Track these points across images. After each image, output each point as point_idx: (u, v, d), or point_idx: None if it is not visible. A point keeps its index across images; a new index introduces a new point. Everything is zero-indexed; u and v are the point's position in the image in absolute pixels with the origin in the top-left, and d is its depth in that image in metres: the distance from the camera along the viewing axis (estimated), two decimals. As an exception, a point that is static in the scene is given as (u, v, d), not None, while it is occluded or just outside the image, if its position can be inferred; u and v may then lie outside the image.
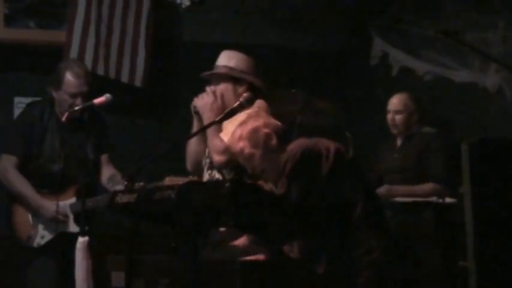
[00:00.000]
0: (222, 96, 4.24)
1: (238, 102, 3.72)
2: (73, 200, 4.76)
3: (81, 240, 4.01)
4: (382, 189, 5.29)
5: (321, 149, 3.47)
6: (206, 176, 4.29)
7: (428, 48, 6.05)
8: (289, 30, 6.70)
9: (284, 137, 3.62)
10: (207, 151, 4.27)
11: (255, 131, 3.59)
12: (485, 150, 3.53)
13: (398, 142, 5.72)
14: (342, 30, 6.80)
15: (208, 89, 4.28)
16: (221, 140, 4.08)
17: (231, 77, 4.27)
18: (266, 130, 3.59)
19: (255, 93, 4.05)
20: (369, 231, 3.42)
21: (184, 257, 3.09)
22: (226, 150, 4.06)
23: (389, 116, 5.68)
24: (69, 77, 4.76)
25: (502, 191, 3.48)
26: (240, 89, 4.25)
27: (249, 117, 3.74)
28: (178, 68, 6.34)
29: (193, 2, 6.36)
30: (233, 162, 4.10)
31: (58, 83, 4.78)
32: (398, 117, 5.64)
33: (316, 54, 6.70)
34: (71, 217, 4.74)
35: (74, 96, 4.73)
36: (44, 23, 6.07)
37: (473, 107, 5.79)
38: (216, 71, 4.33)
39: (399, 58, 6.34)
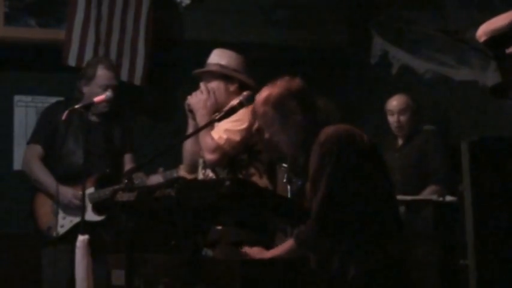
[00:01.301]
0: (214, 94, 4.26)
1: (238, 101, 3.72)
2: (91, 189, 4.91)
3: (81, 239, 4.01)
4: None
5: (355, 132, 3.33)
6: (200, 175, 4.30)
7: (429, 47, 6.05)
8: (289, 29, 6.70)
9: (310, 110, 3.43)
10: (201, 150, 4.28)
11: (283, 99, 3.41)
12: (485, 148, 3.53)
13: (399, 142, 5.72)
14: (342, 29, 6.80)
15: (202, 86, 4.30)
16: (212, 138, 4.09)
17: (222, 75, 4.28)
18: (294, 103, 3.41)
19: (246, 90, 4.08)
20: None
21: (185, 255, 3.08)
22: (217, 148, 4.07)
23: (393, 118, 5.65)
24: (101, 70, 4.99)
25: (502, 189, 3.48)
26: (232, 87, 4.28)
27: (282, 80, 3.52)
28: (178, 67, 6.34)
29: (193, 0, 6.37)
30: (225, 160, 4.11)
31: (89, 77, 4.99)
32: (403, 118, 5.62)
33: (316, 53, 6.70)
34: (89, 206, 4.85)
35: (105, 88, 4.89)
36: (43, 22, 6.07)
37: (473, 105, 5.79)
38: (207, 68, 4.35)
39: (399, 56, 6.34)
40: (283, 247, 3.31)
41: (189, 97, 4.30)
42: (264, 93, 3.47)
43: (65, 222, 4.90)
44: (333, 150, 3.24)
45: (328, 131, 3.31)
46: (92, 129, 4.91)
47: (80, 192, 4.74)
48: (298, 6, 6.70)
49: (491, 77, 5.56)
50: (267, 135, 3.46)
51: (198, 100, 4.23)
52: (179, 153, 4.44)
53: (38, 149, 5.04)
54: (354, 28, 6.77)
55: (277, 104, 3.41)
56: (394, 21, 6.38)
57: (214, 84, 4.29)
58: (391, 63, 6.41)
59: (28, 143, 5.16)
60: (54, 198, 4.85)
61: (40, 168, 5.00)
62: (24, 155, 5.16)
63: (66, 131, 4.96)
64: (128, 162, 5.13)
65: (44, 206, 4.97)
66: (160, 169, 4.84)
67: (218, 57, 4.35)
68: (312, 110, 3.44)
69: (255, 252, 3.41)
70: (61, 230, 4.89)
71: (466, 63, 5.76)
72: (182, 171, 4.75)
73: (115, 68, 5.16)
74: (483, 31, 3.63)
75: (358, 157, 3.26)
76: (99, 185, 4.94)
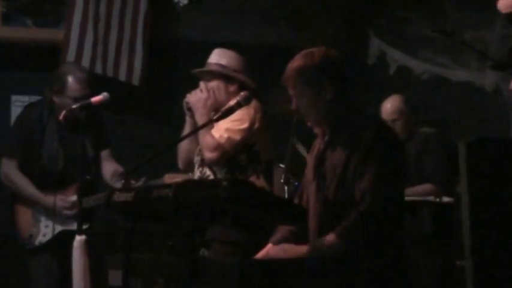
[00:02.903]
0: (214, 93, 4.26)
1: (235, 101, 3.72)
2: (74, 198, 4.77)
3: (79, 239, 4.01)
4: None
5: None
6: (197, 174, 4.29)
7: (426, 48, 6.06)
8: (287, 29, 6.70)
9: (341, 87, 3.30)
10: (197, 148, 4.28)
11: (315, 73, 3.28)
12: (482, 149, 3.53)
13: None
14: (340, 29, 6.80)
15: (202, 84, 4.29)
16: (212, 136, 4.08)
17: (222, 74, 4.28)
18: (325, 79, 3.28)
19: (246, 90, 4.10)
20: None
21: (181, 256, 3.08)
22: (218, 146, 4.07)
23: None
24: (71, 82, 4.75)
25: (499, 190, 3.48)
26: (231, 88, 4.27)
27: (319, 50, 3.40)
28: (176, 67, 6.34)
29: (190, 0, 6.37)
30: (224, 159, 4.11)
31: (60, 88, 4.77)
32: (397, 125, 5.63)
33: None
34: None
35: (76, 100, 4.72)
36: (41, 22, 6.07)
37: (470, 106, 5.80)
38: (207, 68, 4.34)
39: (396, 57, 6.35)
40: (323, 241, 3.18)
41: (188, 95, 4.29)
42: (297, 62, 3.33)
43: (47, 231, 4.75)
44: (384, 146, 3.19)
45: (371, 123, 3.26)
46: (67, 132, 4.84)
47: (68, 199, 4.72)
48: (297, 6, 6.71)
49: (488, 78, 5.58)
50: (295, 105, 3.35)
51: (197, 99, 4.23)
52: (174, 155, 4.43)
53: (13, 162, 4.81)
54: (351, 29, 6.77)
55: (309, 77, 3.30)
56: (391, 22, 6.38)
57: (214, 84, 4.28)
58: (389, 64, 6.41)
59: (3, 155, 4.88)
60: (45, 209, 4.73)
61: (22, 181, 4.78)
62: (2, 168, 4.88)
63: (42, 136, 4.83)
64: (106, 158, 4.98)
65: (25, 214, 4.81)
66: (143, 179, 4.73)
67: (219, 57, 4.34)
68: (343, 87, 3.33)
69: (289, 248, 3.31)
70: (43, 239, 4.74)
71: (463, 64, 5.77)
72: (168, 180, 4.74)
73: (86, 76, 4.84)
74: (508, 3, 3.60)
75: (400, 157, 3.27)
76: (82, 192, 4.82)
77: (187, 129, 4.34)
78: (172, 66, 6.36)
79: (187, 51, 6.27)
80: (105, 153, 5.00)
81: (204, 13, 6.48)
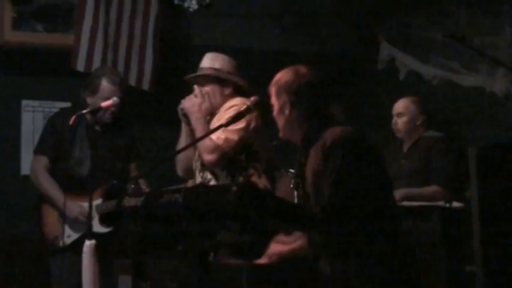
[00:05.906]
0: (208, 97, 4.27)
1: (245, 106, 3.73)
2: (99, 201, 4.87)
3: (88, 244, 4.01)
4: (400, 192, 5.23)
5: (359, 135, 3.35)
6: (199, 179, 4.29)
7: (436, 53, 6.05)
8: (296, 34, 6.70)
9: (305, 105, 3.41)
10: (196, 154, 4.28)
11: (280, 90, 3.44)
12: (492, 154, 3.53)
13: (405, 147, 5.72)
14: (350, 34, 6.80)
15: (197, 89, 4.30)
16: (210, 138, 4.08)
17: (217, 78, 4.29)
18: (289, 97, 3.41)
19: (240, 93, 4.11)
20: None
21: (191, 260, 3.09)
22: (216, 148, 4.07)
23: (393, 120, 5.72)
24: (105, 83, 4.93)
25: (509, 195, 3.48)
26: (226, 91, 4.30)
27: (293, 69, 3.54)
28: (185, 72, 6.34)
29: (200, 5, 6.37)
30: (224, 160, 4.10)
31: (93, 88, 4.94)
32: (401, 121, 5.67)
33: (323, 59, 6.70)
34: (96, 218, 4.82)
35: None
36: (51, 27, 6.08)
37: (480, 111, 5.79)
38: (202, 72, 4.35)
39: (406, 62, 6.34)
40: (296, 244, 3.30)
41: (182, 101, 4.31)
42: (277, 75, 3.51)
43: (71, 233, 4.87)
44: (339, 152, 3.23)
45: (334, 133, 3.30)
46: (97, 138, 4.90)
47: (87, 207, 4.75)
48: (306, 12, 6.71)
49: (498, 83, 5.56)
50: (275, 113, 3.49)
51: (192, 104, 4.25)
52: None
53: (44, 160, 4.99)
54: (361, 34, 6.77)
55: (277, 92, 3.45)
56: (401, 27, 6.38)
57: (209, 88, 4.30)
58: (399, 69, 6.41)
59: (35, 153, 5.10)
60: (60, 210, 4.83)
61: (48, 182, 4.94)
62: (32, 166, 5.11)
63: (72, 140, 4.93)
64: (133, 171, 5.09)
65: (51, 215, 4.94)
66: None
67: (211, 61, 4.36)
68: (319, 104, 3.43)
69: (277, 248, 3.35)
70: (68, 240, 4.87)
71: (473, 69, 5.76)
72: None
73: (120, 80, 5.06)
74: None
75: (361, 160, 3.27)
76: (107, 196, 4.90)
77: (183, 136, 4.35)
78: (183, 71, 6.35)
79: (197, 56, 6.26)
80: (132, 166, 5.07)
81: (214, 18, 6.48)
